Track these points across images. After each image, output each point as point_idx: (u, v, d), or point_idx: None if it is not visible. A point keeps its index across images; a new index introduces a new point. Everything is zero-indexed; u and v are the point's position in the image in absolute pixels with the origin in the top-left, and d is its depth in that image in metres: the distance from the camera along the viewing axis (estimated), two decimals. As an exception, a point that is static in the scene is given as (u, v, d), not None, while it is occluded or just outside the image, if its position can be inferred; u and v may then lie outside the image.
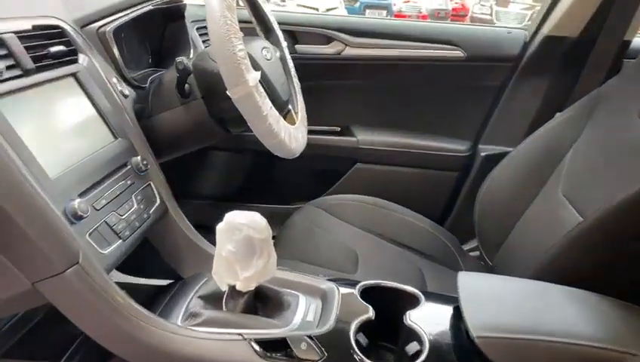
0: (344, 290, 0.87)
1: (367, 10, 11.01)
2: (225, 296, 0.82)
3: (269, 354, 0.72)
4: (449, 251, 1.29)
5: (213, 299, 0.83)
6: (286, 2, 9.15)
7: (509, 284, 0.84)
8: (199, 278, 0.88)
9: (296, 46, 1.47)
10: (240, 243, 0.77)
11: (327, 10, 8.85)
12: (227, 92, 0.89)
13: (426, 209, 1.39)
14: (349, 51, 1.46)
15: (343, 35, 1.44)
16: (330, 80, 1.52)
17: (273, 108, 0.96)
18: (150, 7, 1.10)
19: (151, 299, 0.88)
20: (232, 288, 0.81)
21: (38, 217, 0.64)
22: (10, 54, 0.72)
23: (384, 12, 11.13)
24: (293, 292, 0.87)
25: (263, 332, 0.76)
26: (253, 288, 0.80)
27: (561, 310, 0.74)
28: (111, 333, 0.70)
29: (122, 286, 0.99)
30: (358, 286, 0.87)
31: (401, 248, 1.27)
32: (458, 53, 1.42)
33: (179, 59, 0.94)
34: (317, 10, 8.31)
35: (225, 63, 0.87)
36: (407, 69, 1.46)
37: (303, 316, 0.82)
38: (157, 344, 0.71)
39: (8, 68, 0.71)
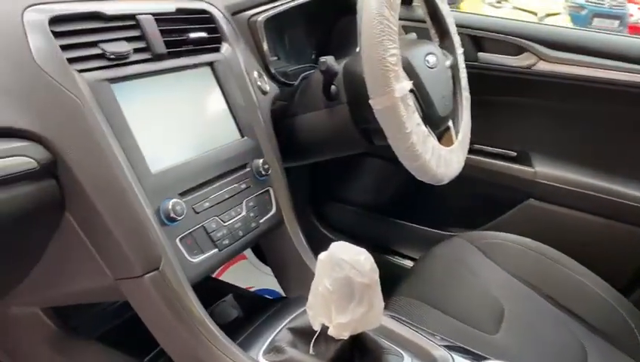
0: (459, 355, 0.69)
1: (596, 19, 9.78)
2: (315, 337, 0.71)
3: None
4: (628, 330, 1.00)
5: (304, 335, 0.73)
6: (502, 4, 8.61)
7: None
8: (299, 304, 0.79)
9: (479, 54, 1.28)
10: (338, 282, 0.65)
11: (548, 15, 8.10)
12: (370, 101, 0.78)
13: (607, 272, 1.10)
14: (543, 66, 1.21)
15: (537, 47, 1.20)
16: (513, 96, 1.29)
17: (422, 124, 0.82)
18: (310, -1, 1.03)
19: (250, 312, 0.81)
20: (325, 329, 0.69)
21: (126, 216, 0.60)
22: (143, 36, 0.70)
23: (616, 22, 9.77)
24: (398, 350, 0.72)
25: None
26: (346, 336, 0.67)
27: None
28: (178, 349, 0.65)
29: (229, 287, 0.95)
30: (483, 364, 0.69)
31: (563, 312, 1.02)
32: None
33: (323, 59, 0.85)
34: (535, 14, 7.66)
35: (371, 68, 0.76)
36: (617, 95, 1.16)
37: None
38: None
39: (137, 50, 0.68)
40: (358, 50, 1.16)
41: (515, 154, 1.33)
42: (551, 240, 1.15)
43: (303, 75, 1.00)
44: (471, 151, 1.28)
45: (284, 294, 0.91)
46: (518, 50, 1.24)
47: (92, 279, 0.65)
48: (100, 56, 0.63)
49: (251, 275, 1.48)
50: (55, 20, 0.60)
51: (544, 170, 1.27)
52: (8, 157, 0.53)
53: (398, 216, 1.48)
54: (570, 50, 1.19)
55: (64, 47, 0.59)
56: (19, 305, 0.78)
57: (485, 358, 0.71)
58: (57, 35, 0.59)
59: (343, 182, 1.55)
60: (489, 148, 1.34)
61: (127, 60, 0.66)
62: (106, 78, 0.63)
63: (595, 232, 1.22)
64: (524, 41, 1.22)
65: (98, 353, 0.78)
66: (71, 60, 0.60)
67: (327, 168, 1.49)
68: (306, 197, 1.53)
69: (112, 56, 0.64)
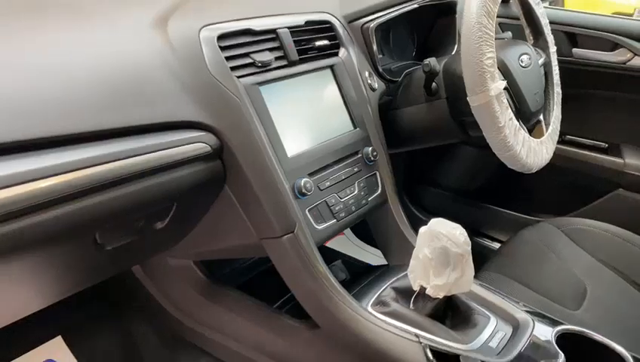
0: (540, 327, 0.81)
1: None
2: (415, 295, 0.86)
3: (434, 355, 0.74)
4: None
5: (404, 294, 0.88)
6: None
7: None
8: (400, 270, 0.93)
9: (574, 50, 1.34)
10: (436, 251, 0.79)
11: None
12: (467, 98, 0.89)
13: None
14: (638, 62, 1.26)
15: (632, 42, 1.25)
16: (606, 90, 1.34)
17: (514, 119, 0.92)
18: (416, 5, 1.15)
19: (355, 275, 0.97)
20: (423, 290, 0.84)
21: (269, 187, 0.78)
22: (281, 46, 0.86)
23: None
24: (485, 312, 0.85)
25: (440, 342, 0.77)
26: (441, 296, 0.81)
27: None
28: (307, 297, 0.82)
29: (337, 253, 1.11)
30: (557, 329, 0.80)
31: None
32: None
33: (426, 61, 0.97)
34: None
35: (469, 70, 0.87)
36: None
37: (486, 339, 0.80)
38: (342, 319, 0.80)
39: (277, 58, 0.85)
40: (455, 50, 1.28)
41: (606, 145, 1.38)
42: (638, 228, 1.20)
43: (405, 71, 1.13)
44: (563, 142, 1.36)
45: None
46: (613, 46, 1.29)
47: (240, 238, 0.84)
48: (251, 65, 0.81)
49: (348, 248, 1.64)
50: (221, 37, 0.78)
51: (634, 161, 1.32)
52: (191, 143, 0.72)
53: (487, 200, 1.57)
54: (666, 46, 1.23)
55: (227, 58, 0.77)
56: (175, 257, 0.99)
57: (561, 323, 0.82)
58: (223, 48, 0.77)
59: (436, 168, 1.66)
60: (580, 140, 1.40)
61: (270, 67, 0.83)
62: (255, 82, 0.80)
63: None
64: (618, 37, 1.27)
65: (237, 299, 0.97)
66: (232, 68, 0.77)
67: (421, 155, 1.61)
68: (400, 182, 1.67)
69: (259, 64, 0.81)
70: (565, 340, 0.78)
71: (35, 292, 0.78)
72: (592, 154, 1.38)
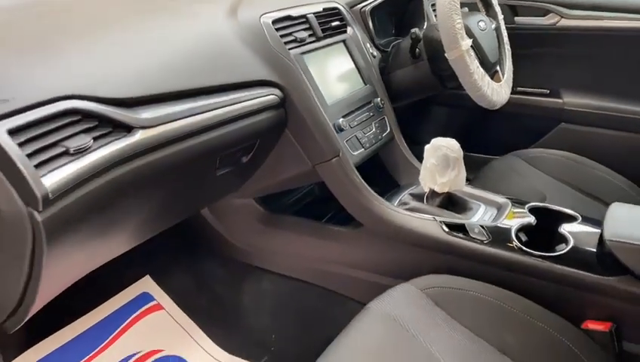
0: (517, 205, 1.16)
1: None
2: (426, 195, 1.19)
3: (451, 232, 1.07)
4: None
5: (419, 197, 1.21)
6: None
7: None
8: (411, 185, 1.27)
9: (516, 18, 1.71)
10: (440, 158, 1.13)
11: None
12: (445, 54, 1.23)
13: (631, 171, 1.52)
14: (565, 22, 1.64)
15: (559, 8, 1.63)
16: (543, 47, 1.72)
17: (480, 67, 1.27)
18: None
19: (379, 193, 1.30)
20: (432, 190, 1.17)
21: (319, 125, 1.10)
22: (310, 27, 1.18)
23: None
24: (476, 202, 1.20)
25: (449, 219, 1.11)
26: (446, 191, 1.15)
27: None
28: (353, 204, 1.14)
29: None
30: (528, 205, 1.15)
31: (593, 200, 1.44)
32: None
33: (413, 30, 1.31)
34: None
35: (445, 33, 1.20)
36: (620, 39, 1.58)
37: (480, 217, 1.14)
38: (380, 215, 1.12)
39: (309, 36, 1.17)
40: (426, 25, 1.62)
41: (548, 91, 1.76)
42: (583, 153, 1.57)
43: (393, 43, 1.46)
44: (515, 92, 1.72)
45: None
46: (545, 12, 1.66)
47: (298, 168, 1.15)
48: (294, 40, 1.12)
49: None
50: (274, 21, 1.09)
51: (570, 100, 1.70)
52: (265, 96, 1.02)
53: (459, 148, 1.92)
54: (583, 8, 1.61)
55: (281, 36, 1.09)
56: (239, 197, 1.29)
57: (529, 201, 1.16)
58: (277, 29, 1.09)
59: (412, 126, 2.01)
60: (528, 89, 1.77)
61: (305, 42, 1.15)
62: (300, 52, 1.12)
63: (616, 143, 1.64)
64: (548, 4, 1.64)
65: (292, 222, 1.28)
66: (285, 43, 1.09)
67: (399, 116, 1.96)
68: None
69: (299, 40, 1.13)
70: (534, 211, 1.12)
71: (150, 219, 1.06)
72: (539, 98, 1.75)
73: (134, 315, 1.28)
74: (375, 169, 1.33)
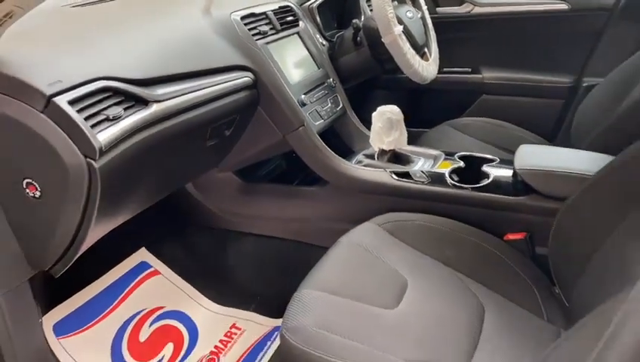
0: (448, 157, 1.44)
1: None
2: (377, 154, 1.45)
3: (399, 179, 1.33)
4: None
5: (371, 156, 1.47)
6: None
7: (558, 150, 1.32)
8: (363, 149, 1.53)
9: (437, 8, 2.02)
10: (385, 121, 1.39)
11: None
12: (382, 39, 1.50)
13: (539, 128, 1.85)
14: (478, 10, 1.96)
15: (472, -2, 1.95)
16: (463, 32, 2.03)
17: (411, 49, 1.54)
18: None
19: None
20: (381, 149, 1.44)
21: (286, 101, 1.34)
22: (270, 22, 1.42)
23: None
24: (416, 156, 1.47)
25: (395, 168, 1.37)
26: (392, 148, 1.42)
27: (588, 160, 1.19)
28: (320, 165, 1.38)
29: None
30: (457, 154, 1.43)
31: (509, 153, 1.74)
32: (563, 6, 1.84)
33: (354, 21, 1.57)
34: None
35: (380, 22, 1.46)
36: (523, 21, 1.91)
37: (420, 166, 1.42)
38: (343, 171, 1.37)
39: (270, 29, 1.41)
40: (363, 17, 1.89)
41: (470, 69, 2.07)
42: (501, 116, 1.88)
43: (337, 34, 1.72)
44: (442, 72, 2.02)
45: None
46: (460, 2, 1.98)
47: (270, 139, 1.38)
48: (259, 33, 1.36)
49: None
50: (242, 17, 1.32)
51: (488, 74, 2.02)
52: (242, 78, 1.25)
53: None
54: (492, -4, 1.94)
55: (249, 29, 1.32)
56: (220, 171, 1.51)
57: (460, 152, 1.44)
58: (245, 24, 1.32)
59: (362, 106, 2.28)
60: (453, 69, 2.08)
61: (267, 34, 1.39)
62: (264, 42, 1.35)
63: (527, 106, 1.97)
64: (463, -4, 1.96)
65: (267, 188, 1.51)
66: (252, 35, 1.32)
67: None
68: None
69: (263, 33, 1.37)
70: (462, 158, 1.41)
71: (151, 189, 1.26)
72: (462, 75, 2.07)
73: (136, 281, 1.47)
74: (332, 138, 1.58)
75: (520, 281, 1.15)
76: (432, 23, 1.79)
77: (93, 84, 0.89)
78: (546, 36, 1.92)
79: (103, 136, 0.85)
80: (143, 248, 1.55)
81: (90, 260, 1.16)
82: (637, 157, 0.95)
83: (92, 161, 0.83)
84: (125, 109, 0.92)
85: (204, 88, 1.12)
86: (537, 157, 1.26)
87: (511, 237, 1.25)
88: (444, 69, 2.06)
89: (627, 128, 1.24)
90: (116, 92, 0.93)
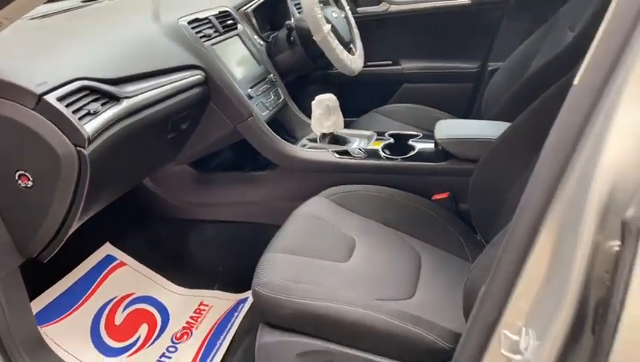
0: (380, 136, 1.65)
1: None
2: (318, 138, 1.64)
3: (340, 156, 1.53)
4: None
5: (313, 140, 1.66)
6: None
7: (470, 122, 1.57)
8: (305, 135, 1.71)
9: (358, 8, 2.24)
10: (323, 108, 1.58)
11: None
12: (313, 37, 1.69)
13: (453, 109, 2.10)
14: (393, 8, 2.20)
15: (387, -4, 2.19)
16: (382, 29, 2.27)
17: (340, 45, 1.74)
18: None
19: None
20: (322, 133, 1.63)
21: (235, 94, 1.49)
22: (213, 26, 1.57)
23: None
24: (352, 137, 1.67)
25: (337, 149, 1.56)
26: (331, 131, 1.61)
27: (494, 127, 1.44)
28: (270, 150, 1.54)
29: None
30: (387, 132, 1.64)
31: (430, 133, 1.99)
32: (466, 0, 2.12)
33: (287, 22, 1.75)
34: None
35: (311, 21, 1.65)
36: (433, 16, 2.18)
37: (357, 145, 1.62)
38: (291, 154, 1.54)
39: (214, 32, 1.56)
40: (294, 19, 2.07)
41: (391, 62, 2.31)
42: (420, 101, 2.12)
43: (272, 35, 1.90)
44: (367, 66, 2.24)
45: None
46: (377, 2, 2.21)
47: (222, 130, 1.53)
48: (205, 35, 1.51)
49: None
50: (189, 22, 1.47)
51: (407, 65, 2.27)
52: (195, 76, 1.40)
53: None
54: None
55: (196, 32, 1.46)
56: (176, 164, 1.64)
57: (387, 131, 1.66)
58: (192, 27, 1.46)
59: (299, 102, 2.47)
60: (376, 62, 2.31)
61: (212, 36, 1.54)
62: (211, 44, 1.50)
63: (441, 90, 2.23)
64: (379, -4, 2.19)
65: (222, 176, 1.66)
66: (200, 37, 1.47)
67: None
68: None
69: (208, 35, 1.52)
70: (392, 136, 1.62)
71: (119, 182, 1.38)
72: (385, 68, 2.30)
73: (104, 273, 1.57)
74: (277, 128, 1.75)
75: (448, 233, 1.37)
76: (355, 21, 2.00)
77: (73, 84, 1.01)
78: (453, 28, 2.19)
79: (89, 127, 0.97)
80: (107, 243, 1.65)
81: (57, 258, 1.22)
82: (529, 119, 1.20)
83: (82, 149, 0.96)
84: (102, 105, 1.05)
85: (163, 86, 1.26)
86: (453, 128, 1.50)
87: (437, 197, 1.47)
88: (369, 63, 2.28)
89: (522, 99, 1.49)
90: (92, 90, 1.05)
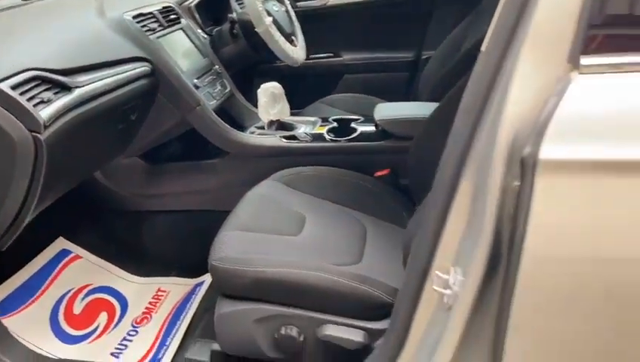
0: (324, 121, 1.75)
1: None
2: (266, 125, 1.72)
3: (287, 141, 1.61)
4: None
5: (261, 127, 1.73)
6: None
7: (405, 104, 1.69)
8: (253, 124, 1.79)
9: (297, 3, 2.34)
10: (269, 96, 1.66)
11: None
12: (256, 29, 1.76)
13: (392, 97, 2.22)
14: (331, 2, 2.31)
15: (325, -8, 2.30)
16: (322, 22, 2.37)
17: (282, 37, 1.82)
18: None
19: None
20: (269, 120, 1.71)
21: (182, 85, 1.55)
22: (157, 20, 1.62)
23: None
24: (297, 124, 1.76)
25: (283, 133, 1.65)
26: (278, 118, 1.69)
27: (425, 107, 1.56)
28: (219, 138, 1.61)
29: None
30: (331, 117, 1.74)
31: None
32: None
33: (230, 15, 1.82)
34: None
35: (253, 15, 1.73)
36: (368, 9, 2.30)
37: (303, 130, 1.71)
38: (241, 141, 1.62)
39: (159, 25, 1.61)
40: (235, 13, 2.14)
41: (332, 54, 2.42)
42: (362, 90, 2.24)
43: (215, 29, 1.96)
44: (310, 59, 2.33)
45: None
46: (317, -4, 2.31)
47: (169, 121, 1.58)
48: (150, 29, 1.55)
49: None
50: (134, 17, 1.51)
51: (348, 56, 2.38)
52: (142, 67, 1.44)
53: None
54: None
55: (142, 26, 1.51)
56: (126, 157, 1.67)
57: (330, 116, 1.76)
58: (137, 22, 1.51)
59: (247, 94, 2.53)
60: (319, 55, 2.40)
61: (157, 30, 1.59)
62: (156, 37, 1.55)
63: (381, 79, 2.35)
64: (318, -9, 2.29)
65: (172, 167, 1.70)
66: (145, 31, 1.51)
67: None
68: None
69: (153, 29, 1.57)
70: (335, 120, 1.72)
71: (75, 170, 1.40)
72: (327, 60, 2.41)
73: (59, 266, 1.59)
74: (225, 118, 1.81)
75: (390, 206, 1.48)
76: (297, 15, 2.09)
77: (25, 73, 1.05)
78: (389, 20, 2.32)
79: (44, 113, 1.01)
80: (61, 237, 1.67)
81: (10, 253, 1.24)
82: (453, 97, 1.32)
83: (38, 135, 1.00)
84: (54, 94, 1.09)
85: (112, 76, 1.30)
86: (390, 110, 1.62)
87: (379, 174, 1.58)
88: (311, 56, 2.38)
89: (450, 81, 1.62)
90: (44, 80, 1.09)
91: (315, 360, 1.14)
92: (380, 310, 1.10)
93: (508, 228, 0.72)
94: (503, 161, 0.72)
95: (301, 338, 1.12)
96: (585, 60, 0.68)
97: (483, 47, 0.78)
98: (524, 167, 0.66)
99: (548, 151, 0.64)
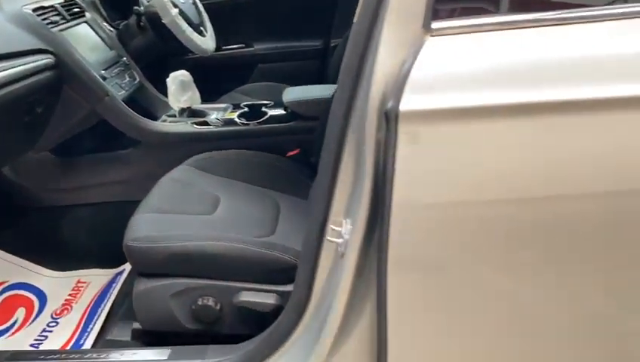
0: (235, 107, 1.81)
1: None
2: (177, 113, 1.76)
3: (199, 127, 1.66)
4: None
5: (173, 116, 1.77)
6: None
7: (310, 87, 1.78)
8: (164, 113, 1.82)
9: (206, -5, 2.38)
10: (178, 84, 1.70)
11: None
12: (162, 20, 1.79)
13: (303, 85, 2.31)
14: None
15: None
16: (233, 13, 2.41)
17: (189, 27, 1.86)
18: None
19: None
20: (180, 108, 1.74)
21: (88, 76, 1.56)
22: (59, 13, 1.62)
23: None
24: (209, 111, 1.81)
25: (194, 120, 1.69)
26: (189, 105, 1.74)
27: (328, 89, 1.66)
28: (131, 128, 1.63)
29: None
30: (243, 103, 1.81)
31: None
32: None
33: (135, 7, 1.84)
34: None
35: (159, 6, 1.76)
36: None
37: (214, 116, 1.76)
38: (152, 129, 1.65)
39: (61, 19, 1.61)
40: (141, 6, 2.15)
41: (244, 45, 2.48)
42: (273, 78, 2.31)
43: (122, 23, 1.96)
44: (221, 50, 2.37)
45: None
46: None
47: (78, 113, 1.59)
48: (52, 22, 1.55)
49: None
50: (34, 10, 1.51)
51: (259, 47, 2.45)
52: (45, 60, 1.45)
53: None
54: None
55: (43, 19, 1.51)
56: (37, 152, 1.66)
57: (240, 102, 1.82)
58: (38, 15, 1.50)
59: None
60: (231, 46, 2.45)
61: (59, 23, 1.59)
62: (59, 30, 1.55)
63: (292, 68, 2.44)
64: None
65: (83, 160, 1.71)
66: (46, 24, 1.51)
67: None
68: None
69: (55, 22, 1.56)
70: (247, 106, 1.78)
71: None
72: (240, 50, 2.46)
73: (-28, 267, 1.56)
74: (136, 109, 1.83)
75: (301, 183, 1.56)
76: (206, 8, 2.13)
77: None
78: (297, 9, 2.40)
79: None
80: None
81: None
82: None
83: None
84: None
85: (12, 68, 1.30)
86: (298, 93, 1.70)
87: (290, 153, 1.67)
88: (223, 48, 2.43)
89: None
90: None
91: (232, 325, 1.20)
92: (290, 272, 1.18)
93: (381, 176, 0.82)
94: (376, 118, 0.82)
95: (218, 307, 1.18)
96: (436, 24, 0.79)
97: (355, 18, 0.88)
98: (388, 119, 0.76)
99: (406, 102, 0.75)
